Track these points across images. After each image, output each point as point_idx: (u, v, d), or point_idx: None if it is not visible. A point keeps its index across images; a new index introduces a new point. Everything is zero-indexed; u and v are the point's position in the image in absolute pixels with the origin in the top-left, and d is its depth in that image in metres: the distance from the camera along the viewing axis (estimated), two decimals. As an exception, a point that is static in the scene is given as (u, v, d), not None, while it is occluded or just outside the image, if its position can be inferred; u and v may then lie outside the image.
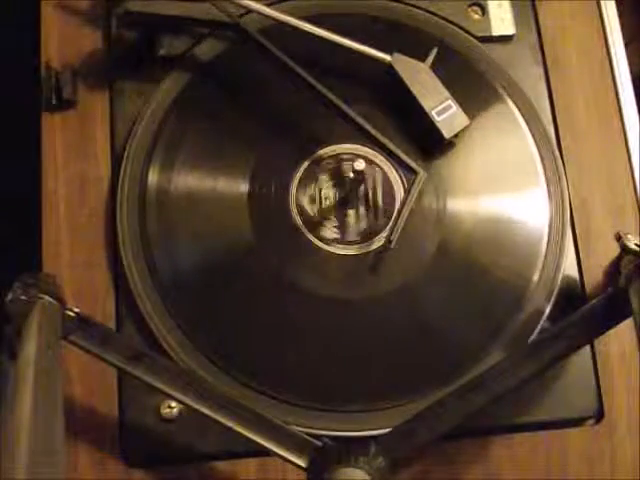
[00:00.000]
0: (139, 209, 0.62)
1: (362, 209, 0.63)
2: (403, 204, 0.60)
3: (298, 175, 0.63)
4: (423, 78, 0.63)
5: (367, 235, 0.62)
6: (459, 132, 0.63)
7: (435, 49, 0.64)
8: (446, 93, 0.63)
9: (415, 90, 0.63)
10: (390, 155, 0.62)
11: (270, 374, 0.59)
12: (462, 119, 0.63)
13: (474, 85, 0.66)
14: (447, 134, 0.63)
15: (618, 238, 0.57)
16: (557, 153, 0.65)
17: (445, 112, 0.62)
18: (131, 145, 0.64)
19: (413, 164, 0.61)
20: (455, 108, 0.63)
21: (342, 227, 0.62)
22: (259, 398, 0.59)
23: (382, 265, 0.62)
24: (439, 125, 0.62)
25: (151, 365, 0.54)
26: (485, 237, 0.63)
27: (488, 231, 0.63)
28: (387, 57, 0.63)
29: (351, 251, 0.62)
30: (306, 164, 0.64)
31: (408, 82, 0.63)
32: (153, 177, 0.63)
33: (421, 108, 0.63)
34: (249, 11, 0.64)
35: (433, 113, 0.62)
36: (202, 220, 0.62)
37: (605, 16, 0.69)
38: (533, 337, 0.61)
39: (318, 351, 0.60)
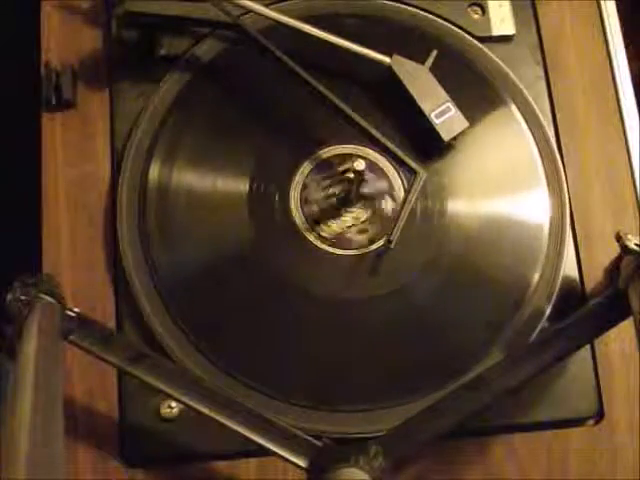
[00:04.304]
0: (139, 209, 0.62)
1: (362, 209, 0.63)
2: (403, 204, 0.60)
3: (298, 175, 0.64)
4: (422, 80, 0.63)
5: (367, 235, 0.62)
6: (458, 135, 0.63)
7: (435, 51, 0.64)
8: (445, 96, 0.63)
9: (414, 92, 0.63)
10: (390, 155, 0.62)
11: (270, 374, 0.59)
12: (461, 122, 0.63)
13: (474, 85, 0.66)
14: (446, 137, 0.63)
15: (618, 238, 0.57)
16: (557, 153, 0.65)
17: (444, 115, 0.62)
18: (131, 145, 0.64)
19: (413, 164, 0.61)
20: (454, 111, 0.63)
21: (342, 227, 0.62)
22: (259, 398, 0.59)
23: (382, 265, 0.62)
24: (438, 128, 0.62)
25: (151, 365, 0.54)
26: (485, 237, 0.63)
27: (488, 231, 0.63)
28: (387, 59, 0.63)
29: (351, 251, 0.62)
30: (306, 164, 0.64)
31: (407, 84, 0.63)
32: (153, 177, 0.63)
33: (420, 110, 0.63)
34: (249, 11, 0.64)
35: (432, 116, 0.63)
36: (202, 220, 0.62)
37: (605, 16, 0.69)
38: (533, 337, 0.61)
39: (318, 351, 0.60)
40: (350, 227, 0.62)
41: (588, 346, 0.61)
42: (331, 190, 0.63)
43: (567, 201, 0.64)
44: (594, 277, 0.63)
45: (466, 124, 0.63)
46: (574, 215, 0.64)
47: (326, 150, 0.64)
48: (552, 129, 0.66)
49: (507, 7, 0.68)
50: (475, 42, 0.68)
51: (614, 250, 0.62)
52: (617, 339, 0.61)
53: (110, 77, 0.66)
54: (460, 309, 0.61)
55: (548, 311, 0.61)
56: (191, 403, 0.53)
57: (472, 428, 0.58)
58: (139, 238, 0.62)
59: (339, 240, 0.62)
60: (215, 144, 0.64)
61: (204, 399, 0.53)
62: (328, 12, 0.68)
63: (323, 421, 0.58)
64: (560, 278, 0.62)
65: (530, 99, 0.66)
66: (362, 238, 0.62)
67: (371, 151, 0.64)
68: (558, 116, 0.67)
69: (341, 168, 0.64)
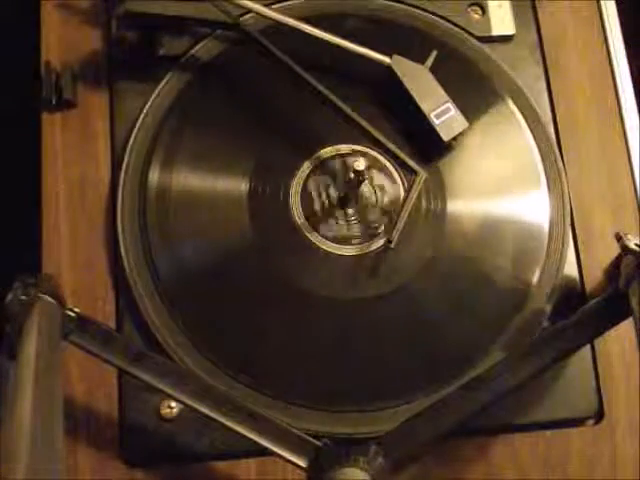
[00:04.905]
0: (139, 209, 0.62)
1: (362, 209, 0.63)
2: (403, 204, 0.60)
3: (298, 175, 0.63)
4: (422, 80, 0.63)
5: (367, 235, 0.62)
6: (458, 135, 0.63)
7: (434, 52, 0.64)
8: (445, 96, 0.63)
9: (414, 93, 0.63)
10: (390, 155, 0.62)
11: (270, 374, 0.59)
12: (461, 122, 0.63)
13: (474, 85, 0.66)
14: (446, 137, 0.62)
15: (618, 238, 0.57)
16: (557, 153, 0.65)
17: (444, 115, 0.62)
18: (131, 145, 0.64)
19: (413, 164, 0.61)
20: (454, 111, 0.63)
21: (342, 227, 0.62)
22: (259, 398, 0.59)
23: (382, 265, 0.62)
24: (438, 128, 0.62)
25: (151, 365, 0.54)
26: (485, 237, 0.63)
27: (488, 231, 0.63)
28: (387, 59, 0.63)
29: (351, 251, 0.62)
30: (306, 164, 0.64)
31: (407, 85, 0.63)
32: (153, 177, 0.63)
33: (420, 110, 0.63)
34: (249, 11, 0.64)
35: (432, 116, 0.63)
36: (202, 220, 0.62)
37: (605, 16, 0.69)
38: (533, 337, 0.61)
39: (318, 351, 0.60)
40: (350, 227, 0.62)
41: (588, 346, 0.61)
42: (331, 190, 0.63)
43: (567, 201, 0.64)
44: (594, 277, 0.63)
45: (466, 124, 0.63)
46: (574, 215, 0.64)
47: (326, 150, 0.64)
48: (552, 129, 0.66)
49: (507, 7, 0.68)
50: (475, 42, 0.68)
51: (614, 250, 0.62)
52: (617, 339, 0.61)
53: (110, 77, 0.66)
54: (460, 309, 0.61)
55: (548, 311, 0.61)
56: (191, 403, 0.53)
57: (472, 428, 0.58)
58: (139, 238, 0.62)
59: (339, 240, 0.62)
60: (215, 144, 0.64)
61: (204, 399, 0.53)
62: (328, 12, 0.68)
63: (323, 421, 0.58)
64: (560, 278, 0.62)
65: (530, 99, 0.66)
66: (362, 238, 0.62)
67: (371, 151, 0.64)
68: (558, 116, 0.67)
69: (341, 168, 0.64)
